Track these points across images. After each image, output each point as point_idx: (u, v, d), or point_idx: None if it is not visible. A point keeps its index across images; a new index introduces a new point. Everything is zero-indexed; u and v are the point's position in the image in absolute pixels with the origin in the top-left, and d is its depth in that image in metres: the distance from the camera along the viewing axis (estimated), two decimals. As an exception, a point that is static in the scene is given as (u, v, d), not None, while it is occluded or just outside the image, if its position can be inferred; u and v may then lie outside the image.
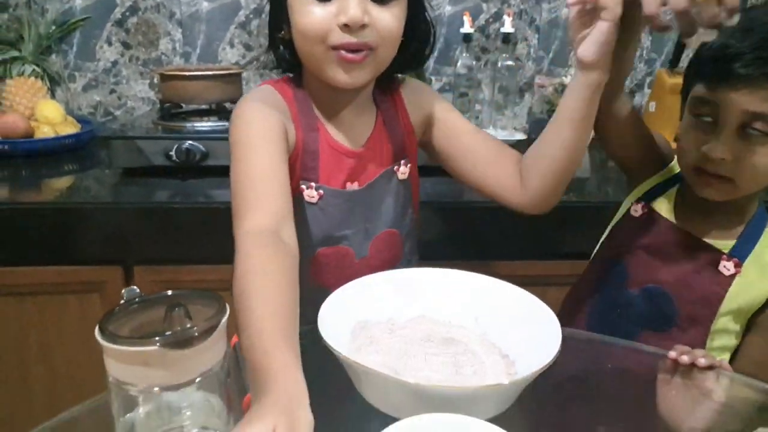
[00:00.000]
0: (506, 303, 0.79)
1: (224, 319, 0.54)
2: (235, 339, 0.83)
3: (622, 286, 0.97)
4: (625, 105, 0.95)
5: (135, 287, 0.59)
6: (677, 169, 0.98)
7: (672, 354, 0.82)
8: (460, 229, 1.39)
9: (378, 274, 0.85)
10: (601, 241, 1.08)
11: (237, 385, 0.71)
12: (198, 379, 0.53)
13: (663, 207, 0.97)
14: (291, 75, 0.95)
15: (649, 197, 0.99)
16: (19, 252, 1.31)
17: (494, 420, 0.58)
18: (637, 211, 0.98)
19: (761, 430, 0.64)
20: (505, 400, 0.66)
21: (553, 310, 0.75)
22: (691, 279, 0.92)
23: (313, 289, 0.82)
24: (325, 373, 0.73)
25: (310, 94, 0.93)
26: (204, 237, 1.33)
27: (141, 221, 1.32)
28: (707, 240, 0.92)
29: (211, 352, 0.53)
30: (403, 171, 0.98)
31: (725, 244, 0.91)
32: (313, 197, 0.90)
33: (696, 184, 0.90)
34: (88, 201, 1.33)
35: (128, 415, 0.55)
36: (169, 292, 0.55)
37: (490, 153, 0.98)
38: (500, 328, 0.78)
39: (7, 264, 1.31)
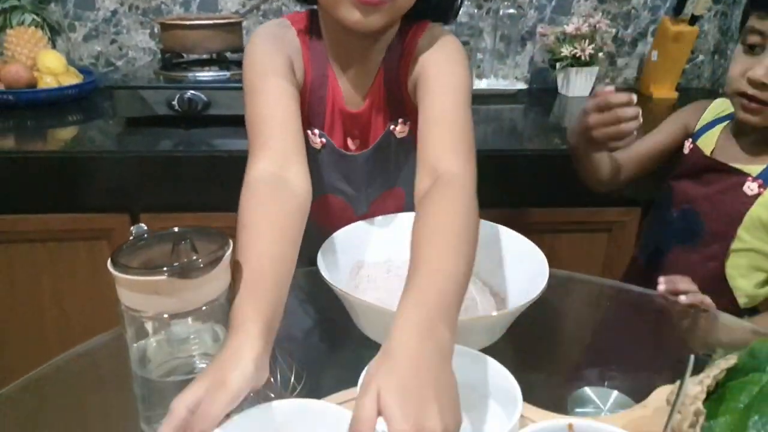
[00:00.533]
0: (498, 244, 0.83)
1: (227, 253, 0.57)
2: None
3: (669, 207, 1.13)
4: (607, 163, 1.15)
5: (143, 225, 0.62)
6: (727, 110, 1.11)
7: (661, 288, 0.88)
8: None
9: (377, 217, 0.88)
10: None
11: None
12: (204, 308, 0.56)
13: (706, 142, 1.11)
14: (310, 10, 0.90)
15: (696, 136, 1.13)
16: (28, 200, 1.35)
17: (484, 350, 0.62)
18: (687, 148, 1.13)
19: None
20: (494, 332, 0.70)
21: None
22: (718, 199, 1.04)
23: (316, 228, 0.82)
24: (326, 309, 0.77)
25: (325, 35, 0.88)
26: (207, 185, 1.36)
27: (146, 170, 1.35)
28: (736, 165, 1.04)
29: (215, 283, 0.56)
30: (401, 130, 0.94)
31: (754, 168, 1.02)
32: (316, 144, 0.92)
33: (738, 109, 1.01)
34: (93, 150, 1.35)
35: (141, 341, 0.59)
36: (176, 229, 0.58)
37: (430, 139, 0.77)
38: (492, 268, 0.82)
39: (17, 211, 1.34)
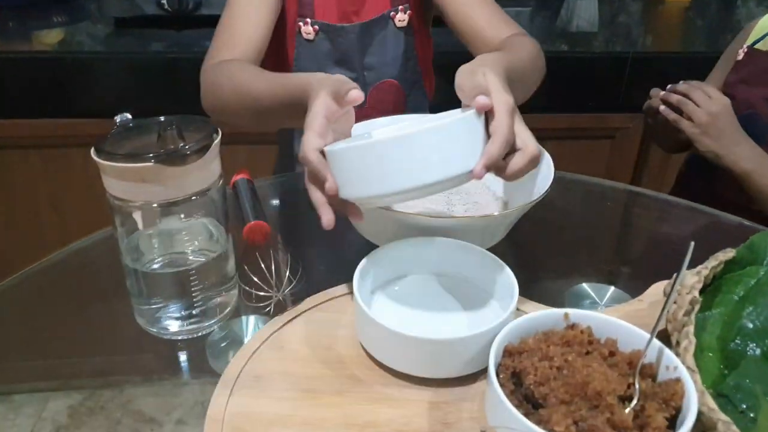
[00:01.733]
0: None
1: (216, 141, 0.55)
2: (235, 177, 0.86)
3: None
4: None
5: (127, 114, 0.59)
6: None
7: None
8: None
9: (373, 120, 0.85)
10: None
11: (237, 217, 0.75)
12: (193, 198, 0.55)
13: (765, 44, 1.04)
14: None
15: (754, 42, 1.06)
16: (15, 104, 1.31)
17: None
18: (740, 55, 1.06)
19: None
20: (496, 232, 0.69)
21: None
22: None
23: None
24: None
25: None
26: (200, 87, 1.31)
27: (137, 73, 1.31)
28: None
29: (203, 173, 0.55)
30: (401, 18, 0.92)
31: None
32: (309, 33, 0.89)
33: None
34: (82, 52, 1.30)
35: (132, 235, 0.58)
36: (162, 118, 0.56)
37: (480, 23, 0.86)
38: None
39: (5, 116, 1.31)
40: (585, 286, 0.70)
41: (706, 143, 0.94)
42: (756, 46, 1.06)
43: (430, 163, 0.49)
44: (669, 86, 0.98)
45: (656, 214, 0.88)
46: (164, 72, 1.30)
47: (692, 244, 0.48)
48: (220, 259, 0.61)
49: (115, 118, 0.58)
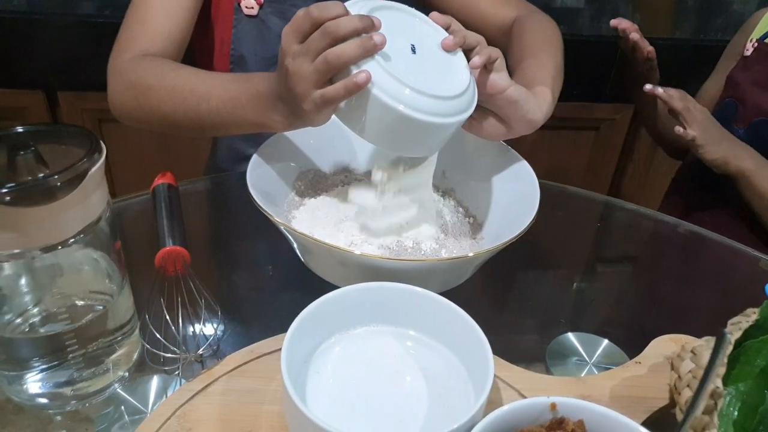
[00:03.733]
0: (481, 157, 0.66)
1: (96, 167, 0.40)
2: (157, 181, 0.71)
3: (731, 124, 0.92)
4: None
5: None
6: None
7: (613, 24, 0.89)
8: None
9: None
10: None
11: (151, 234, 0.61)
12: (60, 246, 0.41)
13: None
14: None
15: (765, 36, 0.93)
16: None
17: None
18: (749, 50, 0.94)
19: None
20: (465, 272, 0.56)
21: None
22: None
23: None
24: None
25: None
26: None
27: (65, 38, 1.13)
28: None
29: (82, 207, 0.40)
30: None
31: None
32: (252, 8, 0.73)
33: None
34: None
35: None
36: (20, 129, 0.41)
37: (483, 6, 0.80)
38: (470, 185, 0.66)
39: None
40: (571, 336, 0.58)
41: (712, 151, 0.83)
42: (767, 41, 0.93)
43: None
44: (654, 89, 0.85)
45: (661, 244, 0.75)
46: (96, 38, 1.13)
47: (727, 335, 0.36)
48: (113, 305, 0.47)
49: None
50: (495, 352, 0.43)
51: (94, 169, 0.40)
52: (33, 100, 1.17)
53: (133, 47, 0.64)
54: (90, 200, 0.42)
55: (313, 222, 0.62)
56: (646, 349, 0.55)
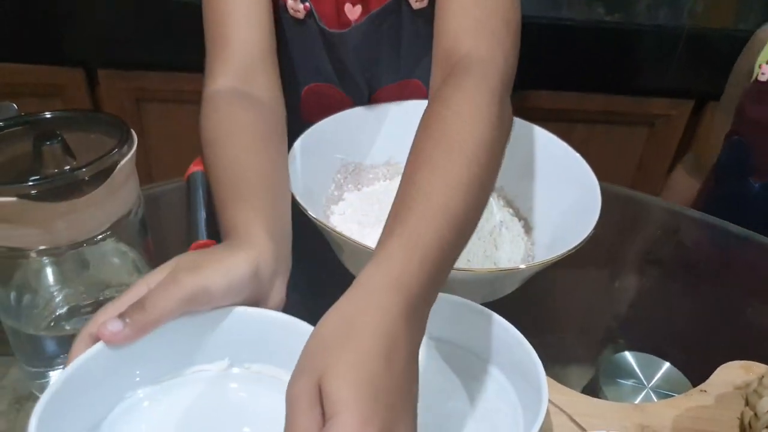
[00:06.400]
0: (532, 152, 0.62)
1: (126, 159, 0.37)
2: (192, 168, 0.68)
3: (745, 176, 0.76)
4: None
5: (14, 104, 0.42)
6: None
7: None
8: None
9: (377, 105, 0.67)
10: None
11: (185, 223, 0.58)
12: (98, 237, 0.38)
13: None
14: None
15: None
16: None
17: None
18: (765, 74, 0.73)
19: None
20: (513, 284, 0.52)
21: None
22: None
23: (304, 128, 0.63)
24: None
25: None
26: (183, 38, 1.10)
27: (105, 15, 1.11)
28: None
29: (107, 205, 0.37)
30: None
31: None
32: (299, 12, 0.67)
33: None
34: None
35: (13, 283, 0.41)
36: (48, 114, 0.38)
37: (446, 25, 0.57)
38: (522, 183, 0.62)
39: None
40: (628, 355, 0.54)
41: None
42: None
43: None
44: None
45: (729, 257, 0.69)
46: (138, 15, 1.11)
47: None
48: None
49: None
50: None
51: (124, 161, 0.37)
52: (72, 77, 1.15)
53: (213, 70, 0.58)
54: (119, 194, 0.39)
55: (353, 219, 0.59)
56: (712, 375, 0.50)
